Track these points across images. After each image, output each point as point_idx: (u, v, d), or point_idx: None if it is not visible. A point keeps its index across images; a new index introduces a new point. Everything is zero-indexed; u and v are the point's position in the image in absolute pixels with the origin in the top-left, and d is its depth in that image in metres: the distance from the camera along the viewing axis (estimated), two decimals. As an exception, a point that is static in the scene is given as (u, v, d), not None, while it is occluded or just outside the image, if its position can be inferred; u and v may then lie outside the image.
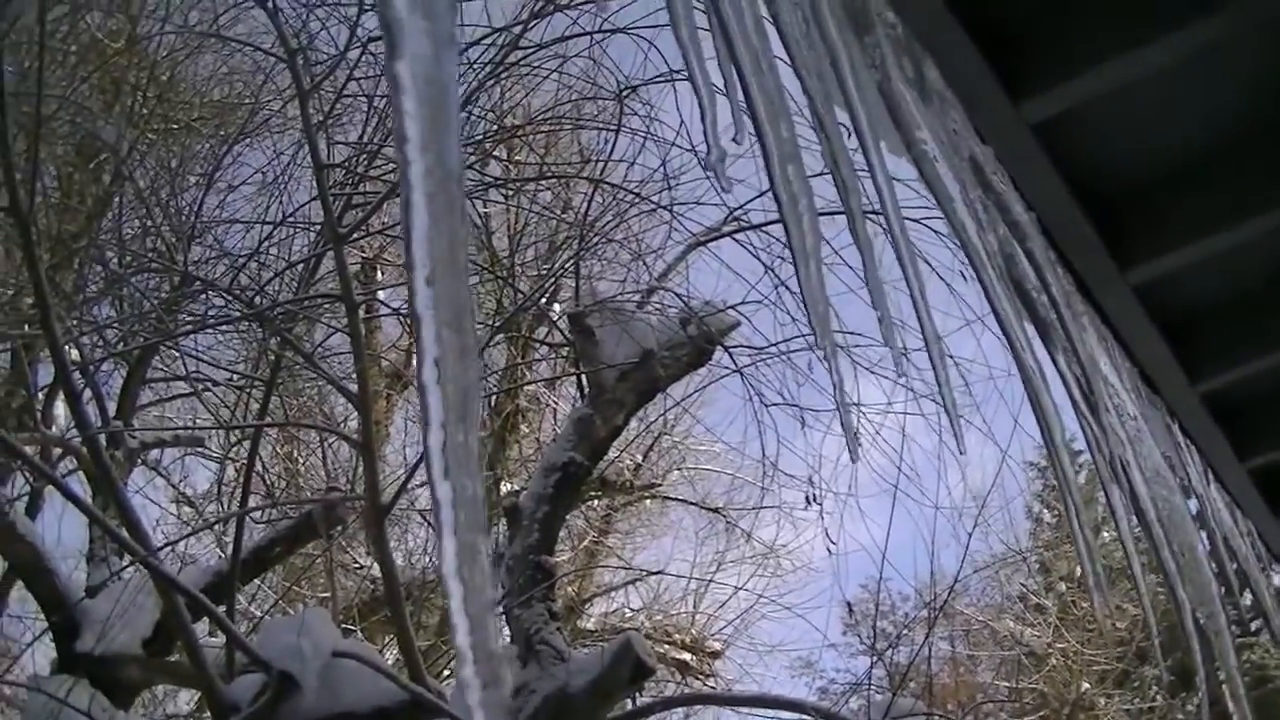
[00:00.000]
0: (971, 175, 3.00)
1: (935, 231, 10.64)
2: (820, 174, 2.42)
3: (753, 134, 1.87)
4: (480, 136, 11.67)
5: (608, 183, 12.02)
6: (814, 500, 12.81)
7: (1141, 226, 3.93)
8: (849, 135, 2.41)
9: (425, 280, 1.23)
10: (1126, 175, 3.90)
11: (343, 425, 16.88)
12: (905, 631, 16.07)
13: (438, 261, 1.23)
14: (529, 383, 16.57)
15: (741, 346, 12.24)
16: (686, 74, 1.89)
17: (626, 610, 21.29)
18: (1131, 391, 4.35)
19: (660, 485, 20.23)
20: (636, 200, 11.79)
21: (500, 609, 9.58)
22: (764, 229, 11.55)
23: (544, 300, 13.62)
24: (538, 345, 15.69)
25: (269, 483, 13.68)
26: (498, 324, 12.19)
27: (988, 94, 3.18)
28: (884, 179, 2.38)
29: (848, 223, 2.13)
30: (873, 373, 12.54)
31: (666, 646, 19.53)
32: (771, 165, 1.86)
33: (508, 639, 9.57)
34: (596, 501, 19.95)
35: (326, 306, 11.32)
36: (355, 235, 9.37)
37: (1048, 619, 22.98)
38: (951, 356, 11.96)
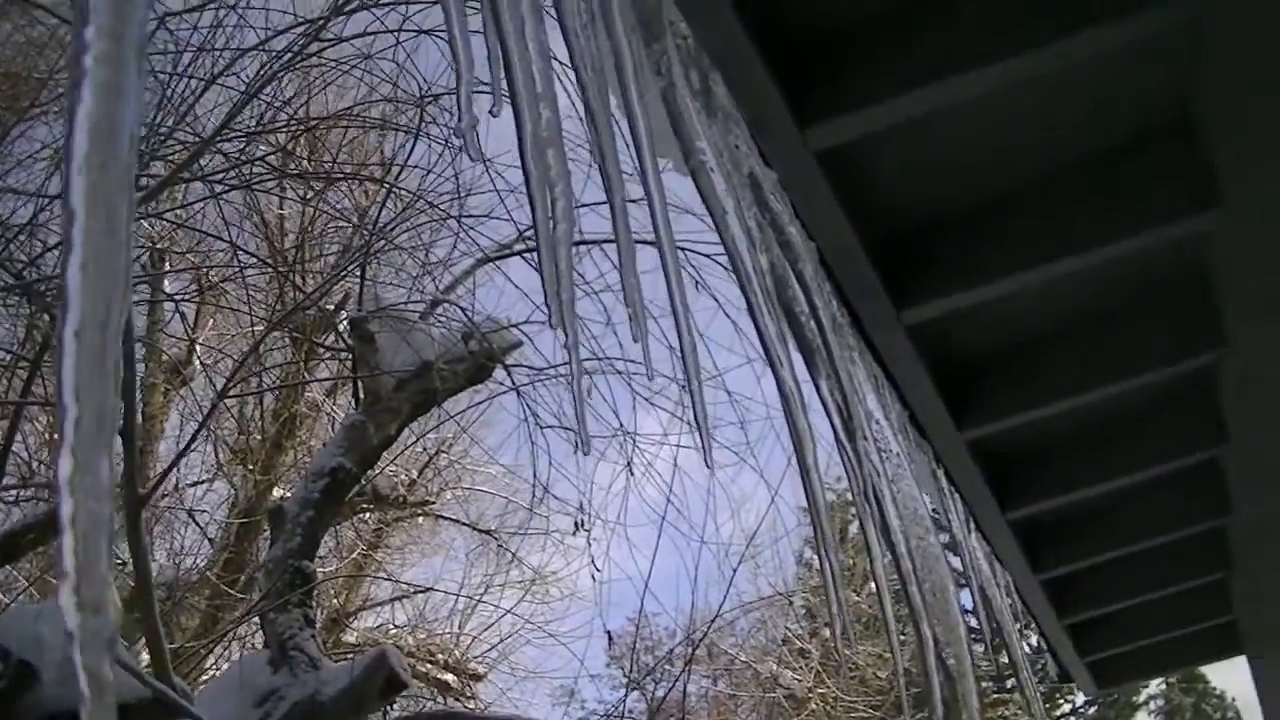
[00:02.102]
0: (749, 193, 2.94)
1: (723, 266, 10.68)
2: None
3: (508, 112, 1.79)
4: (275, 125, 11.45)
5: (400, 188, 11.86)
6: (582, 526, 12.80)
7: (921, 268, 3.92)
8: (626, 144, 2.34)
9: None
10: (913, 213, 3.88)
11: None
12: (665, 666, 16.08)
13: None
14: (304, 382, 16.25)
15: (521, 366, 12.23)
16: (451, 45, 1.79)
17: (391, 627, 21.05)
18: (899, 433, 4.34)
19: (434, 503, 20.02)
20: (427, 208, 11.68)
21: (255, 612, 9.36)
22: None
23: (331, 307, 13.42)
24: (321, 350, 15.43)
25: (29, 466, 13.21)
26: (274, 319, 11.94)
27: (774, 116, 3.12)
28: (655, 183, 2.30)
29: (611, 218, 2.06)
30: (651, 403, 12.57)
31: (429, 665, 19.31)
32: (524, 138, 1.78)
33: (261, 643, 9.35)
34: (369, 515, 19.68)
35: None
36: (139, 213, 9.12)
37: (810, 664, 23.16)
38: (728, 391, 12.04)
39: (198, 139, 10.10)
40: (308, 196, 13.29)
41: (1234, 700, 35.16)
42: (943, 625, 3.71)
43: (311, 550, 9.99)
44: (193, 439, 11.96)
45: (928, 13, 3.21)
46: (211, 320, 17.37)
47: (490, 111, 1.77)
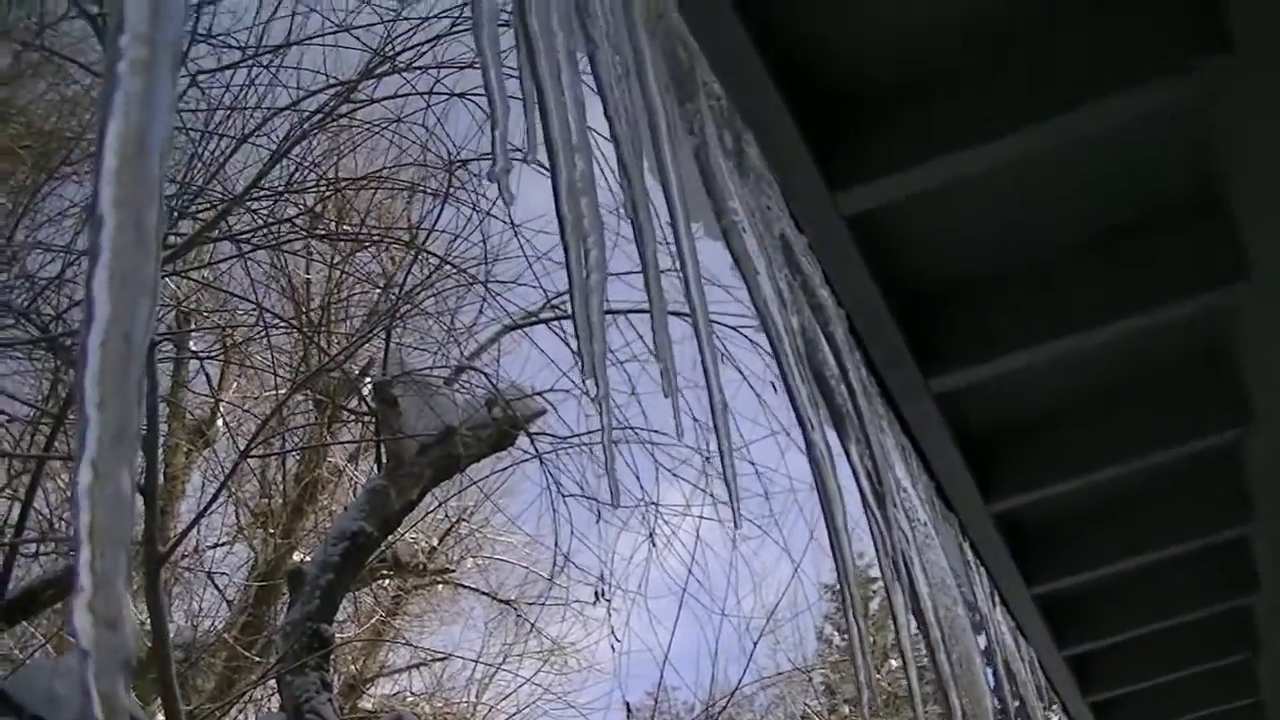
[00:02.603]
0: (781, 255, 2.94)
1: (748, 338, 10.69)
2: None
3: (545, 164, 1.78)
4: (304, 186, 11.47)
5: (428, 251, 11.88)
6: (603, 596, 12.75)
7: (951, 334, 3.90)
8: (657, 206, 2.33)
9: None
10: (941, 280, 3.87)
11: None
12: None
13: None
14: (326, 444, 16.23)
15: (544, 434, 12.20)
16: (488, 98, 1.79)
17: (408, 694, 20.96)
18: (926, 504, 4.31)
19: (454, 571, 19.95)
20: (454, 273, 11.70)
21: (272, 674, 9.32)
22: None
23: (355, 370, 13.42)
24: (345, 414, 15.42)
25: (49, 521, 13.18)
26: (298, 380, 11.95)
27: (805, 179, 3.12)
28: (688, 245, 2.29)
29: (642, 274, 2.05)
30: (674, 474, 12.55)
31: (445, 734, 19.27)
32: (559, 185, 1.77)
33: (277, 706, 9.31)
34: (388, 581, 19.62)
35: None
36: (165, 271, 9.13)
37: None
38: (753, 463, 11.99)
39: (226, 197, 10.12)
40: (334, 259, 13.32)
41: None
42: (969, 697, 3.67)
43: (330, 613, 9.96)
44: (213, 499, 11.96)
45: (958, 80, 3.20)
46: (236, 381, 17.41)
47: (525, 158, 1.77)
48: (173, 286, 12.11)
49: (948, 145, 3.20)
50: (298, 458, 17.45)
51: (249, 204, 10.51)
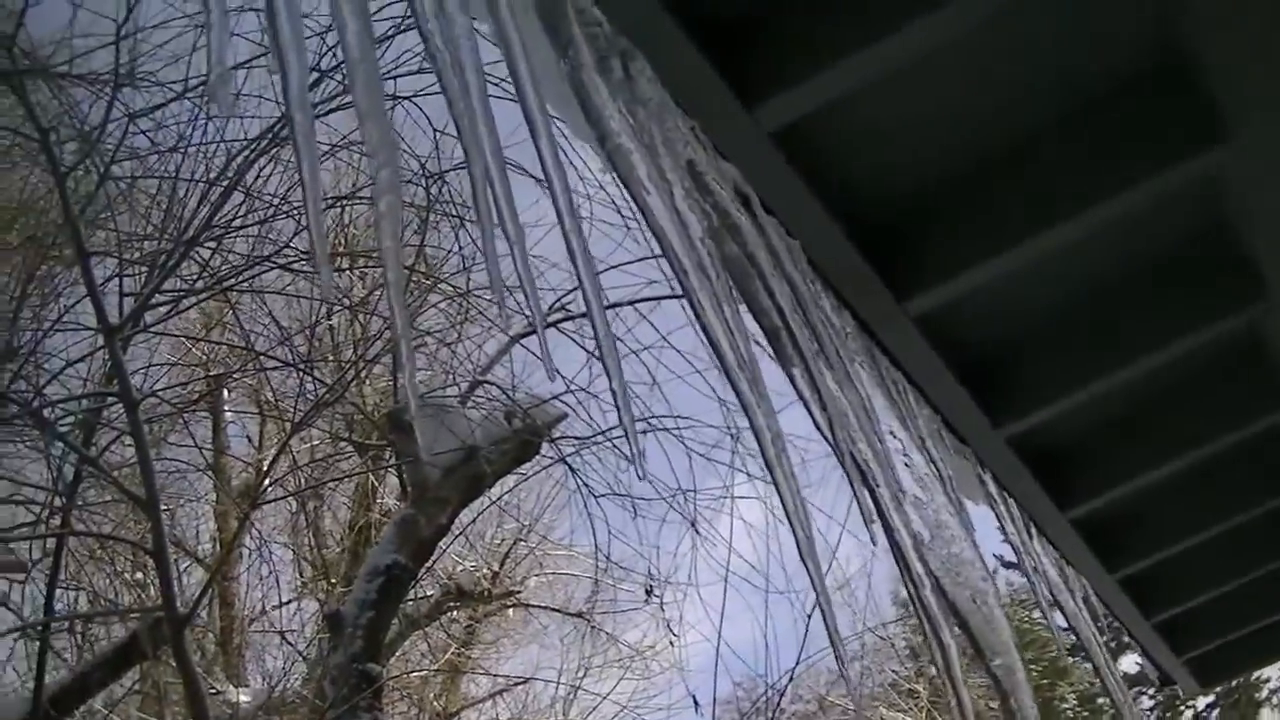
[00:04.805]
0: (691, 179, 2.66)
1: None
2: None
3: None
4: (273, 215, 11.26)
5: (419, 271, 11.62)
6: (653, 592, 12.58)
7: (919, 251, 3.62)
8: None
9: None
10: (897, 190, 3.58)
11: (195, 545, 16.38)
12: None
13: None
14: (330, 480, 16.04)
15: (566, 438, 11.97)
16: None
17: (496, 721, 20.93)
18: (934, 440, 4.03)
19: (520, 592, 19.81)
20: (449, 290, 11.49)
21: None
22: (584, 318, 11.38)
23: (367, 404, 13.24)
24: (361, 447, 15.18)
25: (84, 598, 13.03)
26: (300, 419, 11.67)
27: (716, 97, 2.84)
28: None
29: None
30: (707, 459, 12.28)
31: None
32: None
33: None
34: (457, 613, 19.52)
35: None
36: (132, 328, 8.92)
37: (919, 704, 22.70)
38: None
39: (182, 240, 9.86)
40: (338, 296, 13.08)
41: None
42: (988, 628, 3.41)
43: (375, 651, 9.81)
44: (227, 551, 11.79)
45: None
46: (276, 436, 17.31)
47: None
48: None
49: (863, 40, 2.91)
50: (349, 506, 17.40)
51: (224, 245, 10.32)
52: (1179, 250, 4.14)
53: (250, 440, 18.74)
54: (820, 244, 3.35)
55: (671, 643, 12.83)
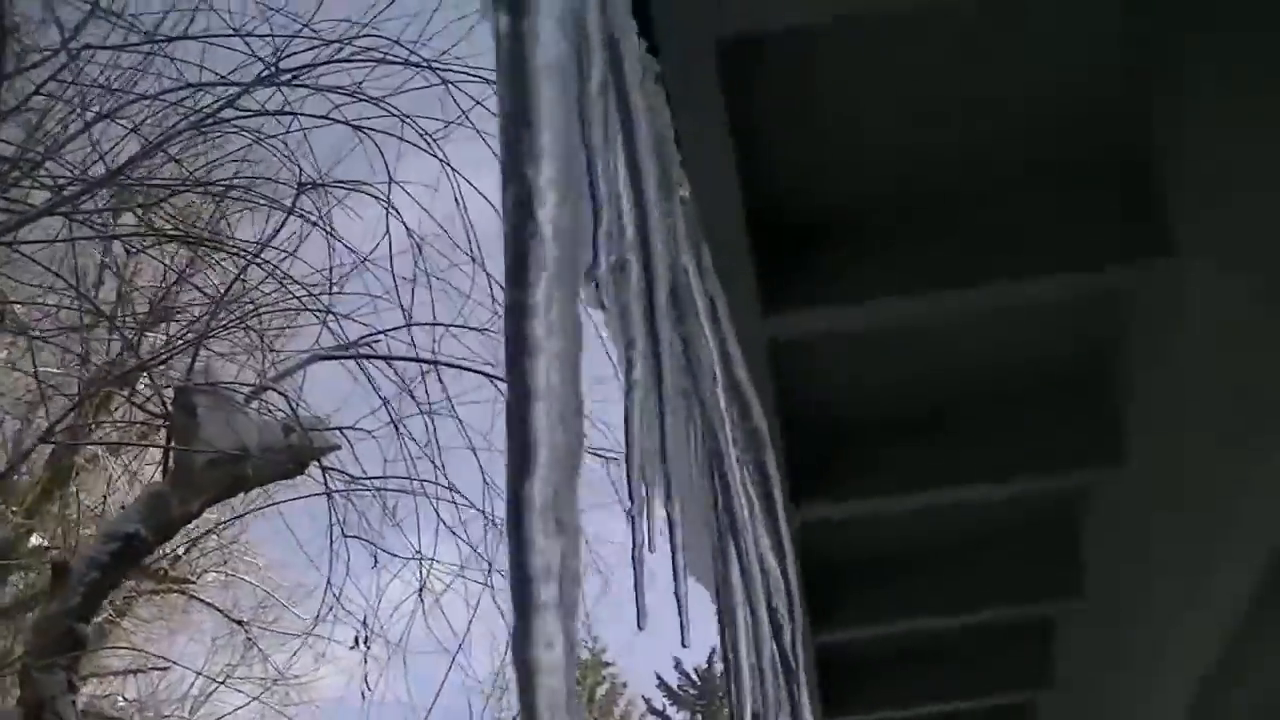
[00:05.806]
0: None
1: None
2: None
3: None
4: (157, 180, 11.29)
5: (263, 263, 11.70)
6: (362, 641, 12.69)
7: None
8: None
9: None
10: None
11: None
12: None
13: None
14: (124, 444, 15.81)
15: (337, 470, 12.08)
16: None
17: (120, 699, 20.49)
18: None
19: (194, 583, 19.55)
20: (290, 293, 11.61)
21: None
22: (392, 361, 11.62)
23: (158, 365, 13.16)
24: (132, 407, 15.01)
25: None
26: (110, 376, 11.61)
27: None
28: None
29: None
30: (453, 533, 12.50)
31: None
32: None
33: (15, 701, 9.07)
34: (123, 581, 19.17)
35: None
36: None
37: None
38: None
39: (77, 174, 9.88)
40: (174, 257, 13.07)
41: None
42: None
43: (90, 612, 9.76)
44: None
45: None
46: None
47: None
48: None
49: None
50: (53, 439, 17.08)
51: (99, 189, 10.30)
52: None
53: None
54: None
55: (363, 695, 12.91)
